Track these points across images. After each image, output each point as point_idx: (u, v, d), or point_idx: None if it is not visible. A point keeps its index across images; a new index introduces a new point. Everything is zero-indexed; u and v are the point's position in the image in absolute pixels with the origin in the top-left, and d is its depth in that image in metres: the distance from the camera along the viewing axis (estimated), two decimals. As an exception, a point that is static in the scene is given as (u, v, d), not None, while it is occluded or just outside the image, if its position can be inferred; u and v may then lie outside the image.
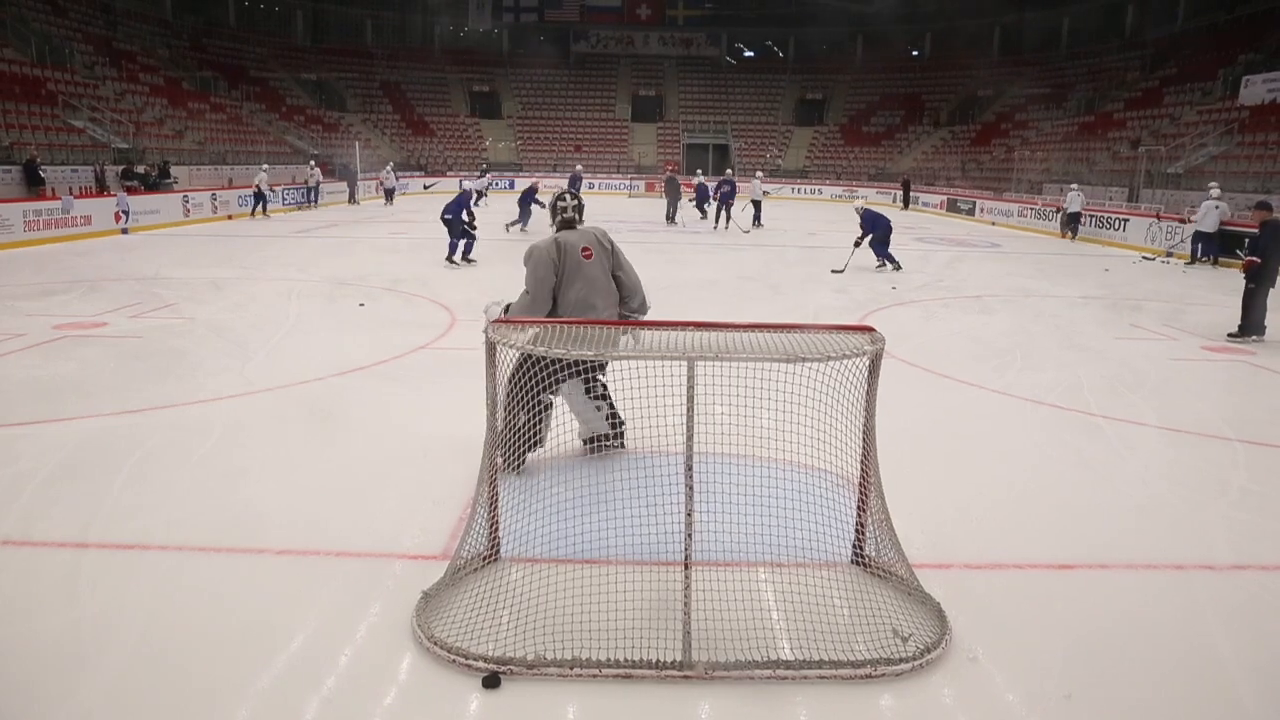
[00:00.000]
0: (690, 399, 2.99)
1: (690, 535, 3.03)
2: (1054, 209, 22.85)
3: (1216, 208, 15.70)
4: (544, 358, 3.63)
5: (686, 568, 3.02)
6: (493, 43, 48.54)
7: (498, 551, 3.59)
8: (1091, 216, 21.40)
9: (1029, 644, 3.13)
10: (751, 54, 50.08)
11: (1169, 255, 17.38)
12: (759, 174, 24.88)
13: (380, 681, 2.85)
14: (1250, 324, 8.83)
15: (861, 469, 3.42)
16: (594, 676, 2.85)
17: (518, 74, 46.86)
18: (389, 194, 28.73)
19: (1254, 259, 8.81)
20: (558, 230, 4.56)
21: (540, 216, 16.79)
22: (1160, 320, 10.08)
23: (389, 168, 29.90)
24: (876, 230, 13.96)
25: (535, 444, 4.18)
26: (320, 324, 8.82)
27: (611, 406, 4.49)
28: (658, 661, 2.89)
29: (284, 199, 24.82)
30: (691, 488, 3.01)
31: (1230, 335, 8.90)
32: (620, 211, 26.14)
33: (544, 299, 4.39)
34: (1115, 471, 4.98)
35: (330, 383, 6.50)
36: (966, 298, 11.54)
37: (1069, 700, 2.81)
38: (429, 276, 12.18)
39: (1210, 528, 4.22)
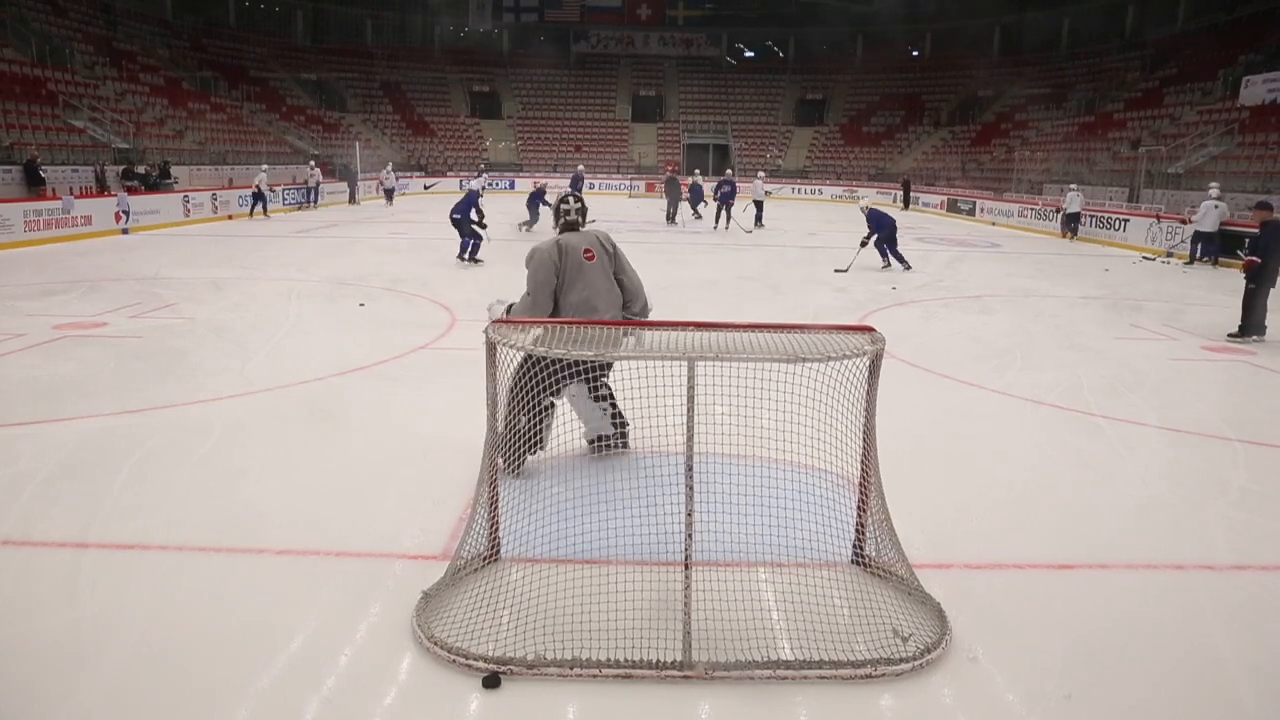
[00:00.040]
0: (690, 399, 2.99)
1: (690, 535, 3.03)
2: (1054, 209, 22.86)
3: (1216, 207, 15.70)
4: (546, 360, 3.64)
5: (687, 568, 3.02)
6: (493, 43, 48.54)
7: (498, 551, 3.59)
8: (1091, 217, 21.40)
9: (1029, 644, 3.13)
10: (752, 54, 50.08)
11: (1169, 255, 17.39)
12: (761, 174, 24.87)
13: (380, 681, 2.85)
14: (1250, 324, 8.83)
15: (861, 469, 3.42)
16: (594, 676, 2.85)
17: (518, 74, 46.86)
18: (389, 194, 28.77)
19: (1254, 259, 8.81)
20: (560, 232, 4.56)
21: (549, 217, 16.82)
22: (1160, 320, 10.09)
23: (388, 168, 29.92)
24: (882, 230, 13.96)
25: (536, 446, 4.18)
26: (320, 324, 8.82)
27: (615, 408, 4.49)
28: (658, 661, 2.89)
29: (284, 199, 24.83)
30: (691, 488, 3.01)
31: (1230, 335, 8.89)
32: (620, 211, 26.13)
33: (544, 301, 4.39)
34: (1115, 471, 4.98)
35: (330, 383, 6.50)
36: (966, 298, 11.54)
37: (1069, 700, 2.81)
38: (429, 276, 12.18)
39: (1210, 528, 4.22)
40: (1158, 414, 6.11)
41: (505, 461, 4.04)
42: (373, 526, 3.98)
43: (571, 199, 4.63)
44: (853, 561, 3.57)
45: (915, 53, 46.78)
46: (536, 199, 18.87)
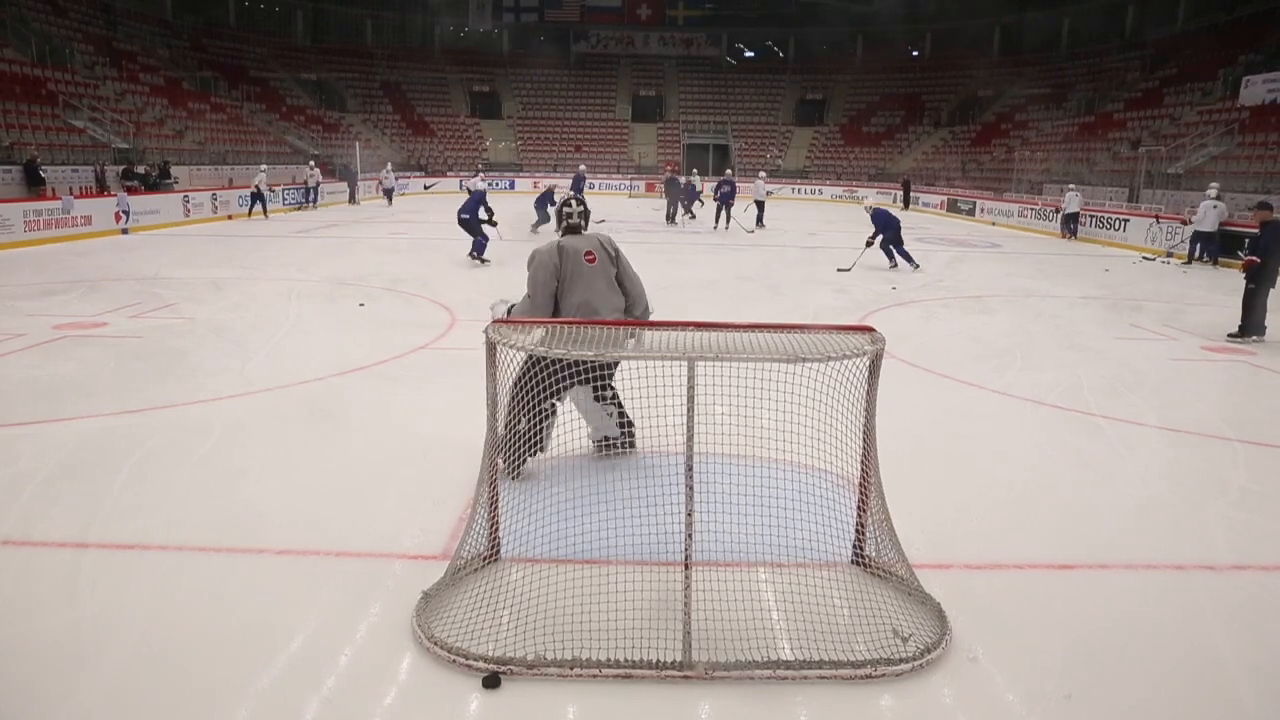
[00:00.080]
0: (690, 399, 2.99)
1: (690, 535, 3.03)
2: (1053, 209, 22.88)
3: (1215, 207, 15.71)
4: (548, 363, 3.65)
5: (687, 568, 3.02)
6: (493, 43, 48.54)
7: (498, 552, 3.59)
8: (1091, 217, 21.41)
9: (1029, 644, 3.13)
10: (752, 54, 50.08)
11: (1169, 255, 17.39)
12: (762, 174, 24.88)
13: (380, 681, 2.85)
14: (1250, 324, 8.83)
15: (861, 469, 3.42)
16: (594, 676, 2.85)
17: (518, 74, 46.86)
18: (388, 194, 28.77)
19: (1254, 259, 8.81)
20: (563, 235, 4.56)
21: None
22: (1160, 320, 10.09)
23: (387, 168, 29.92)
24: (888, 230, 13.96)
25: (536, 449, 4.18)
26: (320, 324, 8.82)
27: (621, 410, 4.49)
28: (658, 661, 2.89)
29: (284, 199, 24.83)
30: (691, 488, 3.01)
31: (1230, 335, 8.89)
32: (620, 211, 26.13)
33: (544, 303, 4.39)
34: (1115, 471, 4.98)
35: (330, 383, 6.50)
36: (967, 298, 11.54)
37: (1069, 700, 2.81)
38: (429, 276, 12.18)
39: (1210, 528, 4.22)
40: (1158, 414, 6.11)
41: (505, 464, 4.04)
42: (373, 526, 3.98)
43: (574, 202, 4.63)
44: (853, 561, 3.57)
45: (915, 53, 46.77)
46: (545, 200, 18.88)
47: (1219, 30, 31.15)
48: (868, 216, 14.42)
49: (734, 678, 2.87)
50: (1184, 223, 17.20)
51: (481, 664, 2.87)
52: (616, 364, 4.23)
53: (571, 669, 2.87)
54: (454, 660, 2.91)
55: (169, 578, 3.49)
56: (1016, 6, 41.31)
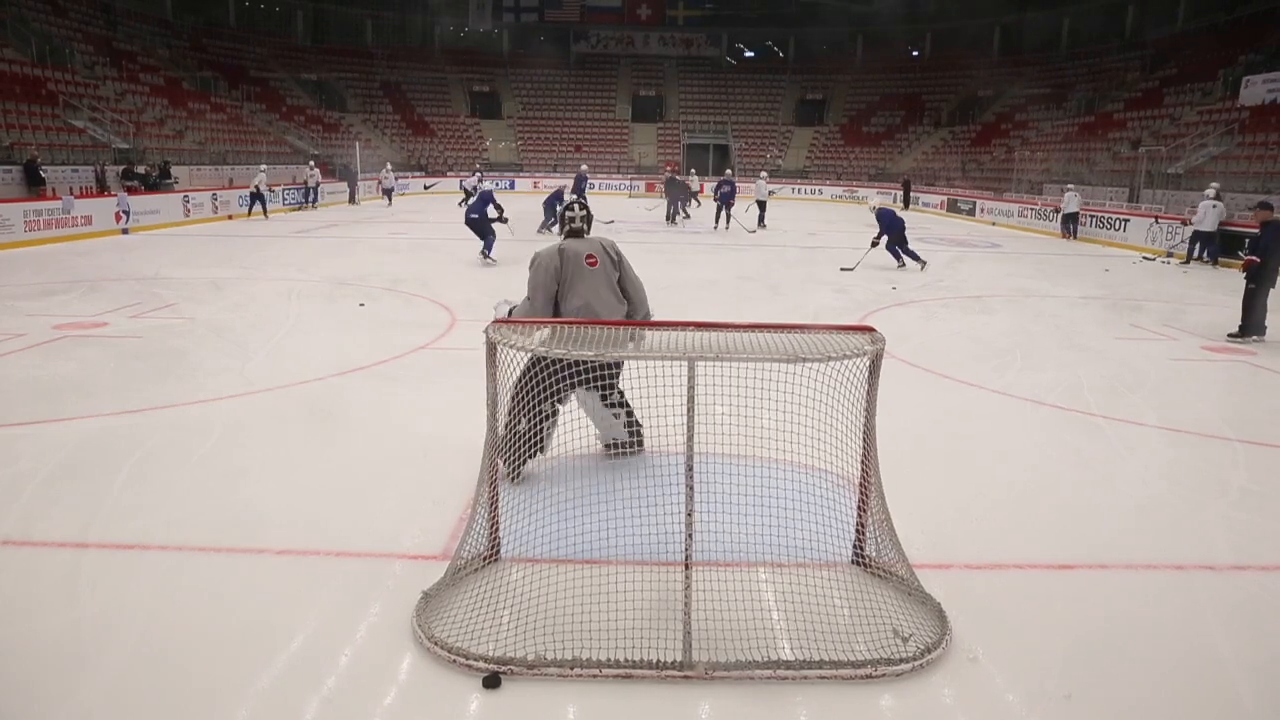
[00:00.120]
0: (690, 399, 2.99)
1: (690, 535, 3.03)
2: (1052, 209, 22.88)
3: (1214, 207, 15.71)
4: (549, 366, 3.66)
5: (687, 568, 3.02)
6: (493, 43, 48.54)
7: (498, 552, 3.59)
8: (1091, 217, 21.41)
9: (1029, 644, 3.13)
10: (752, 54, 50.08)
11: (1169, 255, 17.39)
12: (764, 174, 24.88)
13: (380, 681, 2.85)
14: (1250, 324, 8.83)
15: (862, 469, 3.42)
16: (594, 676, 2.85)
17: (518, 74, 46.86)
18: (388, 194, 28.76)
19: (1253, 258, 8.81)
20: (565, 238, 4.56)
21: None
22: (1160, 320, 10.09)
23: (387, 168, 29.91)
24: (893, 231, 13.98)
25: (536, 450, 4.18)
26: (320, 324, 8.82)
27: (630, 413, 4.49)
28: (658, 661, 2.89)
29: (284, 199, 24.83)
30: (691, 488, 3.01)
31: (1230, 335, 8.89)
32: (620, 212, 26.11)
33: (543, 306, 4.38)
34: (1115, 471, 4.98)
35: (330, 383, 6.50)
36: (967, 298, 11.54)
37: (1069, 700, 2.81)
38: (429, 276, 12.18)
39: (1210, 528, 4.22)
40: (1158, 414, 6.11)
41: (506, 466, 4.04)
42: (373, 526, 3.98)
43: (577, 206, 4.63)
44: (853, 561, 3.57)
45: (915, 53, 46.77)
46: (554, 200, 18.86)
47: (1219, 30, 31.15)
48: (873, 217, 14.43)
49: (734, 678, 2.87)
50: (1184, 223, 17.21)
51: (481, 664, 2.87)
52: (620, 367, 4.23)
53: (571, 669, 2.87)
54: (454, 660, 2.91)
55: (169, 578, 3.49)
56: (1016, 6, 41.31)
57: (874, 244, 14.00)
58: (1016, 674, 2.96)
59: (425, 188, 34.99)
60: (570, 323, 3.52)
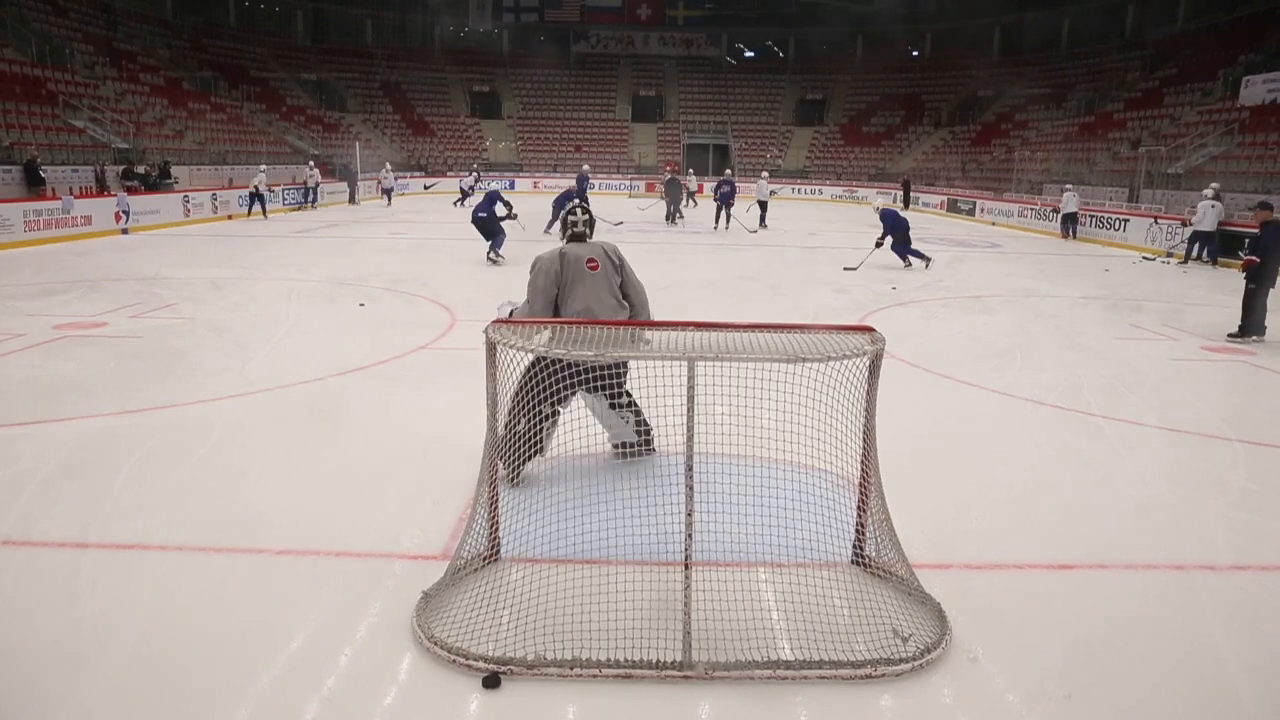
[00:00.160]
0: (690, 399, 2.99)
1: (690, 535, 3.03)
2: (1052, 209, 22.89)
3: (1213, 207, 15.71)
4: (551, 367, 3.65)
5: (686, 568, 3.02)
6: (493, 43, 48.54)
7: (498, 552, 3.59)
8: (1091, 217, 21.42)
9: (1029, 644, 3.13)
10: (752, 54, 50.07)
11: (1169, 255, 17.39)
12: (765, 174, 24.88)
13: (380, 681, 2.85)
14: (1250, 324, 8.83)
15: (861, 469, 3.42)
16: (594, 676, 2.85)
17: (518, 74, 46.86)
18: (387, 194, 28.76)
19: (1253, 258, 8.81)
20: (567, 242, 4.55)
21: None
22: (1160, 320, 10.09)
23: (386, 168, 29.90)
24: (897, 231, 13.99)
25: (535, 451, 4.17)
26: (320, 324, 8.82)
27: (638, 415, 4.48)
28: (658, 661, 2.89)
29: (283, 199, 24.83)
30: (691, 488, 3.01)
31: (1230, 335, 8.89)
32: (619, 212, 26.11)
33: (543, 309, 4.37)
34: (1115, 471, 4.98)
35: (330, 383, 6.50)
36: (966, 298, 11.54)
37: (1069, 700, 2.81)
38: (429, 276, 12.18)
39: (1210, 528, 4.22)
40: (1158, 414, 6.11)
41: (505, 469, 4.03)
42: (373, 526, 3.98)
43: (579, 210, 4.62)
44: (853, 561, 3.57)
45: (915, 53, 46.77)
46: (565, 199, 18.83)
47: (1219, 30, 31.15)
48: (876, 217, 14.45)
49: (734, 678, 2.87)
50: (1184, 224, 17.21)
51: (481, 664, 2.87)
52: (625, 371, 4.21)
53: (571, 669, 2.87)
54: (454, 660, 2.91)
55: (169, 578, 3.49)
56: (1016, 6, 41.30)
57: (878, 244, 14.02)
58: (1016, 674, 2.96)
59: (425, 188, 34.98)
60: (570, 323, 3.52)
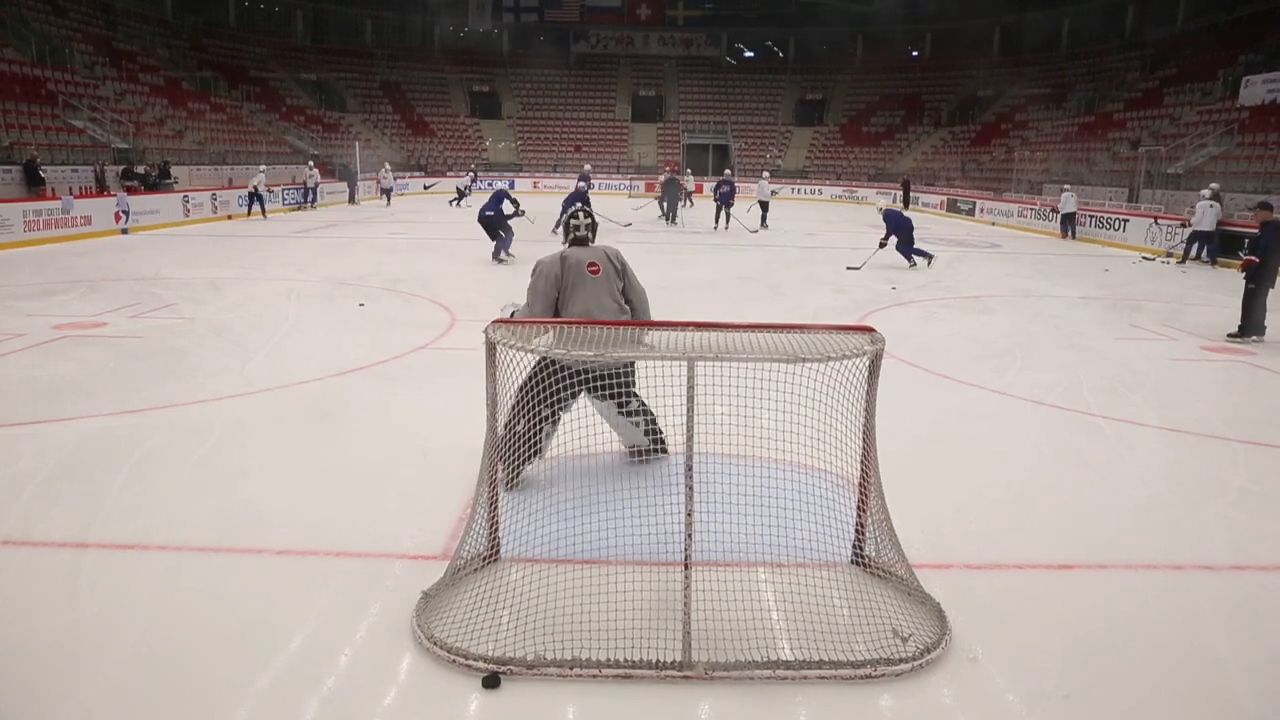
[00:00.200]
0: (690, 399, 2.99)
1: (690, 535, 3.03)
2: (1050, 209, 22.90)
3: (1211, 207, 15.71)
4: (553, 371, 3.65)
5: (686, 568, 3.02)
6: (493, 43, 48.54)
7: (498, 552, 3.59)
8: (1091, 217, 21.42)
9: (1029, 644, 3.13)
10: (751, 54, 50.08)
11: (1169, 256, 17.40)
12: (766, 174, 24.87)
13: (380, 681, 2.85)
14: (1250, 324, 8.83)
15: (861, 469, 3.42)
16: (594, 676, 2.85)
17: (518, 74, 46.86)
18: (386, 194, 28.75)
19: (1253, 258, 8.81)
20: (569, 246, 4.54)
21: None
22: (1160, 320, 10.09)
23: (385, 167, 29.89)
24: (901, 231, 14.02)
25: (533, 456, 4.16)
26: (320, 324, 8.82)
27: (649, 420, 4.45)
28: (658, 661, 2.89)
29: (283, 199, 24.83)
30: (691, 488, 3.01)
31: (1230, 335, 8.90)
32: (617, 212, 26.10)
33: (542, 313, 4.34)
34: (1115, 471, 4.98)
35: (330, 383, 6.50)
36: (966, 298, 11.54)
37: (1069, 700, 2.82)
38: (429, 276, 12.18)
39: (1210, 528, 4.23)
40: (1158, 414, 6.11)
41: (505, 472, 4.03)
42: (373, 527, 3.98)
43: (582, 214, 4.60)
44: (852, 561, 3.57)
45: (915, 53, 46.78)
46: (574, 199, 18.80)
47: (1219, 30, 31.16)
48: (880, 218, 14.49)
49: (734, 678, 2.87)
50: (1184, 224, 17.21)
51: (481, 664, 2.88)
52: (631, 376, 4.17)
53: (571, 669, 2.87)
54: (454, 660, 2.91)
55: (169, 578, 3.49)
56: (1016, 6, 41.32)
57: (881, 245, 14.05)
58: (1016, 674, 2.96)
59: (425, 188, 34.98)
60: (570, 323, 3.51)
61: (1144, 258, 17.40)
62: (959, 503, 4.41)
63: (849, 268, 13.93)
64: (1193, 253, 16.22)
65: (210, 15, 39.20)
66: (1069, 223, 21.28)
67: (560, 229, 17.86)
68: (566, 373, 3.72)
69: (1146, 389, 6.85)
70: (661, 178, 24.81)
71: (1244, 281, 8.92)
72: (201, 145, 26.92)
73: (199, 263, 13.37)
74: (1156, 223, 18.65)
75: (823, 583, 3.29)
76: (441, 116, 43.94)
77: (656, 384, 3.23)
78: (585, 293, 4.35)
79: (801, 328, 3.26)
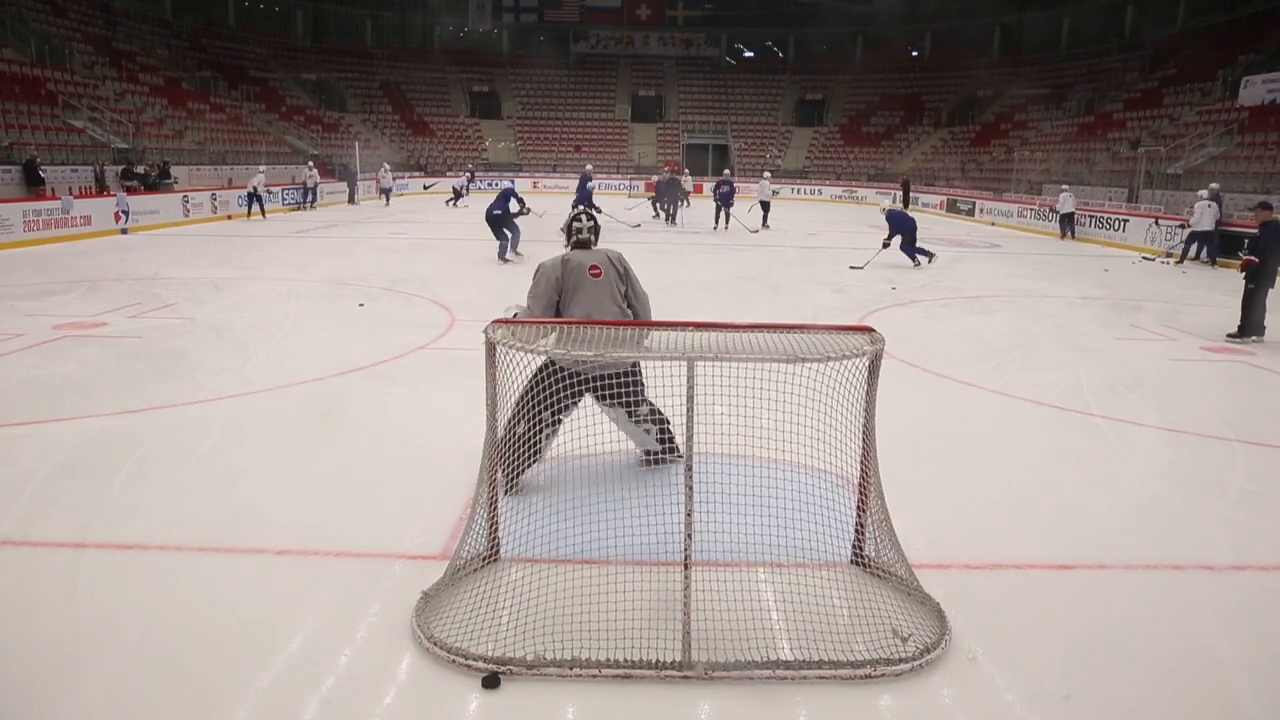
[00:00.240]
0: (690, 399, 2.99)
1: (690, 535, 3.03)
2: (1049, 209, 22.91)
3: (1210, 207, 15.71)
4: (554, 374, 3.65)
5: (686, 568, 3.02)
6: (493, 43, 48.54)
7: (497, 551, 3.59)
8: (1091, 217, 21.43)
9: (1029, 644, 3.13)
10: (751, 54, 50.09)
11: (1168, 256, 17.40)
12: (767, 174, 24.88)
13: (380, 681, 2.85)
14: (1250, 324, 8.84)
15: (861, 469, 3.42)
16: (594, 676, 2.85)
17: (518, 74, 46.86)
18: (385, 194, 28.75)
19: (1252, 259, 8.81)
20: (571, 249, 4.53)
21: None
22: (1160, 320, 10.09)
23: (385, 167, 29.88)
24: (904, 231, 14.05)
25: (533, 459, 4.15)
26: (320, 324, 8.82)
27: (660, 425, 4.42)
28: (658, 661, 2.89)
29: (283, 199, 24.83)
30: (691, 488, 3.01)
31: (1230, 336, 8.90)
32: (622, 213, 26.09)
33: (542, 315, 4.33)
34: (1115, 471, 4.98)
35: (330, 383, 6.50)
36: (966, 298, 11.54)
37: (1069, 700, 2.82)
38: (429, 276, 12.18)
39: (1210, 528, 4.23)
40: (1157, 414, 6.11)
41: (504, 476, 4.02)
42: (372, 527, 3.98)
43: (584, 217, 4.58)
44: (852, 562, 3.57)
45: (915, 53, 46.79)
46: (582, 201, 18.83)
47: (1218, 30, 31.17)
48: (882, 218, 14.53)
49: (734, 678, 2.87)
50: (1183, 225, 17.22)
51: (481, 664, 2.87)
52: (637, 380, 4.14)
53: (571, 669, 2.87)
54: (453, 660, 2.91)
55: (169, 578, 3.49)
56: (1016, 6, 41.33)
57: (885, 245, 14.08)
58: (1016, 674, 2.96)
59: (425, 188, 34.98)
60: (570, 323, 3.51)
61: (1144, 258, 17.40)
62: (959, 503, 4.41)
63: (852, 267, 13.95)
64: (1191, 253, 16.23)
65: (210, 15, 39.20)
66: (1068, 223, 21.30)
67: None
68: (568, 376, 3.72)
69: (1146, 389, 6.85)
70: (657, 178, 24.79)
71: (1243, 281, 8.92)
72: (201, 145, 26.92)
73: (199, 263, 13.37)
74: (1157, 223, 18.66)
75: (822, 583, 3.29)
76: (441, 116, 43.95)
77: (657, 384, 3.23)
78: (586, 295, 4.33)
79: (801, 328, 3.26)
